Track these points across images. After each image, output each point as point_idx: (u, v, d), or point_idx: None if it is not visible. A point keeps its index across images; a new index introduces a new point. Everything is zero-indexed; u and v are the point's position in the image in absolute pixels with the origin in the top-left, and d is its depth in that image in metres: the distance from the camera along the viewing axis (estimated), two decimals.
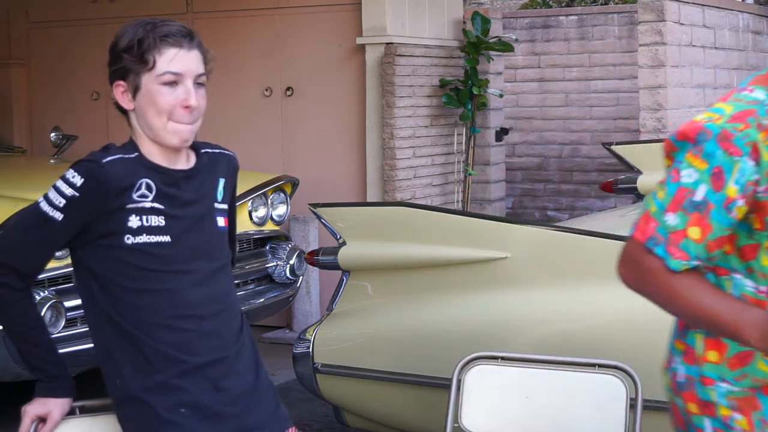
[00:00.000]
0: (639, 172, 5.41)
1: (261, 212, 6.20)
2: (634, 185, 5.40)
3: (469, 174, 7.60)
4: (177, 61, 2.49)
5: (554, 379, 3.20)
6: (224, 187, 2.66)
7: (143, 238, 2.50)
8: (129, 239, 2.49)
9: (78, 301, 3.97)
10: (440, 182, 7.55)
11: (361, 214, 4.21)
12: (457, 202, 7.61)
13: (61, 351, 2.68)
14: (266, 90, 7.48)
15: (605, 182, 5.77)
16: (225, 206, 2.66)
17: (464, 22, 7.70)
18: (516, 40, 8.33)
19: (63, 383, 2.58)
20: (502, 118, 8.29)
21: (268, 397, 2.68)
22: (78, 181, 2.47)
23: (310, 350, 4.05)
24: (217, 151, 2.70)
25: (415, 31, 7.31)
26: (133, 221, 2.49)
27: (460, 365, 3.23)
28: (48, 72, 8.31)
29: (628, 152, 5.55)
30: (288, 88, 7.42)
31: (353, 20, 7.18)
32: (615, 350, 3.35)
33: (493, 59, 7.80)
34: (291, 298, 6.36)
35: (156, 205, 2.51)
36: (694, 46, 8.06)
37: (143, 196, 2.51)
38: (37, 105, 8.38)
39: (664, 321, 3.44)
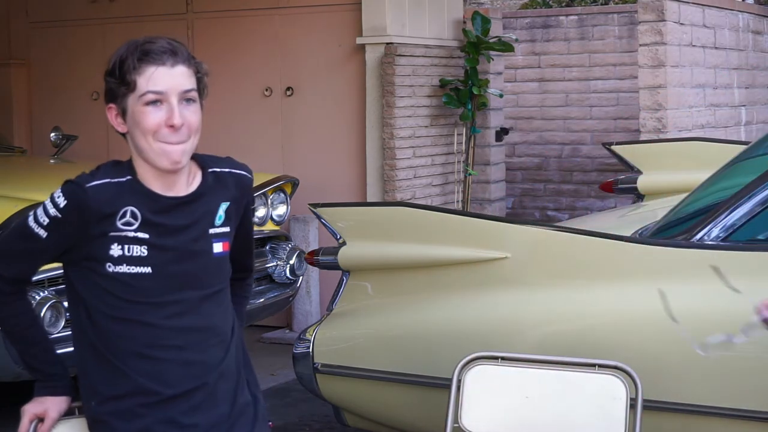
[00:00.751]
0: (639, 172, 5.40)
1: (261, 212, 6.20)
2: (634, 185, 5.40)
3: (469, 174, 7.60)
4: (157, 79, 2.40)
5: (554, 379, 3.20)
6: (227, 211, 2.57)
7: (123, 268, 2.44)
8: (109, 267, 2.45)
9: None
10: (440, 182, 7.55)
11: (361, 214, 4.20)
12: (457, 202, 7.61)
13: (60, 351, 2.68)
14: (266, 90, 7.48)
15: (605, 182, 5.76)
16: (226, 229, 2.56)
17: (464, 22, 7.70)
18: (516, 40, 8.33)
19: (61, 382, 2.58)
20: (502, 118, 8.28)
21: (244, 422, 2.60)
22: (61, 202, 2.44)
23: (310, 350, 4.05)
24: (227, 170, 2.60)
25: (415, 31, 7.30)
26: (115, 250, 2.44)
27: (460, 365, 3.23)
28: (48, 72, 8.31)
29: (628, 152, 5.55)
30: (288, 88, 7.42)
31: (353, 20, 7.18)
32: (615, 350, 3.35)
33: (493, 59, 7.80)
34: (291, 298, 6.36)
35: (140, 234, 2.44)
36: (694, 46, 8.06)
37: (127, 224, 2.44)
38: (37, 105, 8.38)
39: (664, 321, 3.45)
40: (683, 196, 4.23)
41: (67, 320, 4.76)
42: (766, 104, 9.59)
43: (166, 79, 2.41)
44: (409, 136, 7.20)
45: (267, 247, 6.19)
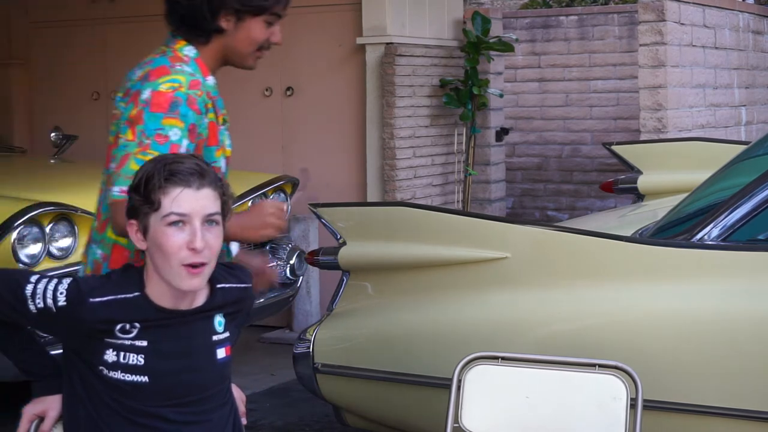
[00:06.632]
0: (639, 172, 5.40)
1: None
2: (634, 185, 5.40)
3: (469, 174, 7.60)
4: (182, 201, 2.36)
5: (554, 379, 3.20)
6: (226, 317, 2.56)
7: (118, 375, 2.42)
8: (103, 371, 2.43)
9: None
10: (440, 182, 7.55)
11: (361, 214, 4.20)
12: (457, 202, 7.61)
13: (54, 352, 2.67)
14: (266, 90, 7.48)
15: (605, 182, 5.76)
16: (227, 334, 2.56)
17: (464, 22, 7.70)
18: (516, 40, 8.33)
19: (57, 381, 2.57)
20: (502, 118, 8.28)
21: None
22: (60, 300, 2.41)
23: (310, 350, 4.04)
24: (234, 285, 2.58)
25: (415, 31, 7.30)
26: (110, 355, 2.42)
27: (460, 365, 3.23)
28: (48, 72, 8.31)
29: (628, 152, 5.54)
30: (288, 88, 7.42)
31: (353, 20, 7.18)
32: (615, 350, 3.35)
33: (493, 59, 7.80)
34: (291, 298, 6.36)
35: (137, 342, 2.42)
36: (694, 46, 8.05)
37: (125, 331, 2.41)
38: (37, 105, 8.38)
39: (665, 321, 3.45)
40: (683, 196, 4.23)
41: None
42: (766, 104, 9.59)
43: (191, 201, 2.37)
44: (409, 136, 7.20)
45: (267, 247, 6.19)
